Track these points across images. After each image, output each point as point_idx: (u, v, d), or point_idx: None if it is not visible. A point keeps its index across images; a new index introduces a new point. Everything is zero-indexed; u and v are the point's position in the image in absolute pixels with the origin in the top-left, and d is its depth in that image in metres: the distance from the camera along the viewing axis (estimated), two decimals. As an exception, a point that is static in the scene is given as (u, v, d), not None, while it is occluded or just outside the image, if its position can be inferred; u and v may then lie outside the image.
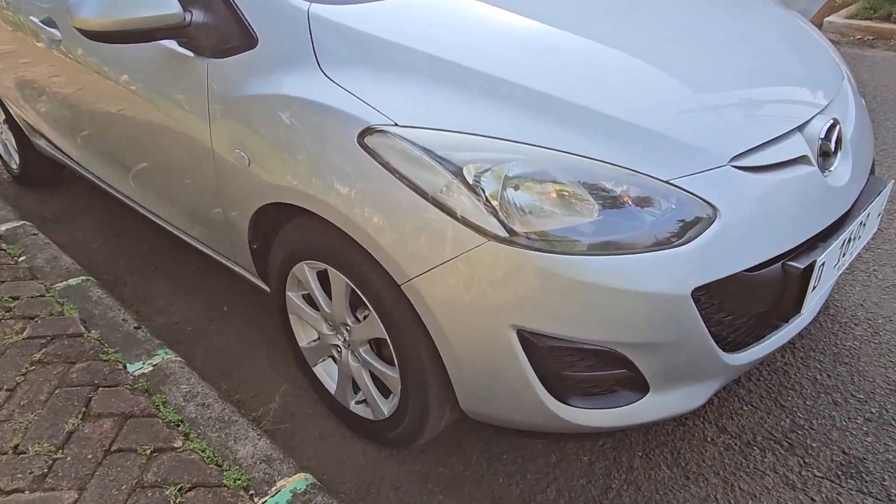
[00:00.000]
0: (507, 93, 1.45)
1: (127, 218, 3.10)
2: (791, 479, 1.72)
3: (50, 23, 2.36)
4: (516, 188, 1.35)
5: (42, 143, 3.06)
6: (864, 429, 1.85)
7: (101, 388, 1.90)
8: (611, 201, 1.36)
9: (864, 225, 1.73)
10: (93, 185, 2.88)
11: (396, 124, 1.42)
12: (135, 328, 2.18)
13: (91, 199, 3.37)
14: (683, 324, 1.38)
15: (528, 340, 1.38)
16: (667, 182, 1.37)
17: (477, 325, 1.40)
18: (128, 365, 2.00)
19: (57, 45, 2.34)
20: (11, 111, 3.15)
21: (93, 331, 2.15)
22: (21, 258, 2.60)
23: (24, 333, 2.14)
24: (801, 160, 1.53)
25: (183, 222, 2.28)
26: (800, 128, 1.57)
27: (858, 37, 5.22)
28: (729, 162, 1.43)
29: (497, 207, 1.34)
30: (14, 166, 3.53)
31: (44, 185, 3.55)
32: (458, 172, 1.36)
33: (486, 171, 1.36)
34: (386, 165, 1.41)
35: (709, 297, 1.39)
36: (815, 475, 1.73)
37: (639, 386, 1.45)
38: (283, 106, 1.59)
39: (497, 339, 1.40)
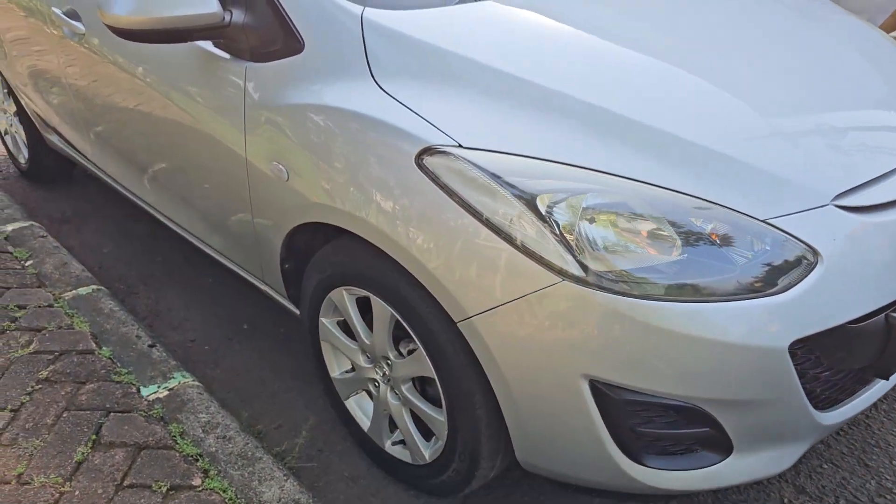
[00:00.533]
0: (580, 113, 1.32)
1: (141, 222, 2.97)
2: (874, 549, 1.58)
3: (73, 15, 2.23)
4: (592, 221, 1.21)
5: (55, 138, 2.95)
6: (958, 494, 1.71)
7: (112, 414, 1.76)
8: (698, 239, 1.22)
9: None
10: (105, 186, 2.77)
11: (461, 145, 1.28)
12: (149, 346, 2.04)
13: (102, 200, 3.25)
14: (777, 380, 1.24)
15: (602, 392, 1.24)
16: (762, 221, 1.23)
17: (544, 371, 1.26)
18: (142, 388, 1.86)
19: (80, 38, 2.21)
20: (24, 103, 3.04)
21: (104, 347, 2.02)
22: (28, 263, 2.47)
23: (31, 347, 2.01)
24: None
25: (203, 231, 2.15)
26: None
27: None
28: (832, 201, 1.29)
29: (573, 243, 1.20)
30: (23, 161, 3.41)
31: (53, 183, 3.45)
32: (530, 202, 1.22)
33: (561, 201, 1.22)
34: (447, 190, 1.27)
35: (806, 350, 1.25)
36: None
37: (722, 446, 1.31)
38: (331, 118, 1.46)
39: (566, 388, 1.26)
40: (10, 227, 2.73)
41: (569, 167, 1.24)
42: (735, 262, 1.21)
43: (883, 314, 1.31)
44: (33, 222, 2.80)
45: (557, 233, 1.20)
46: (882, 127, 1.52)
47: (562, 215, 1.22)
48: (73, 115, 2.58)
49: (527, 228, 1.22)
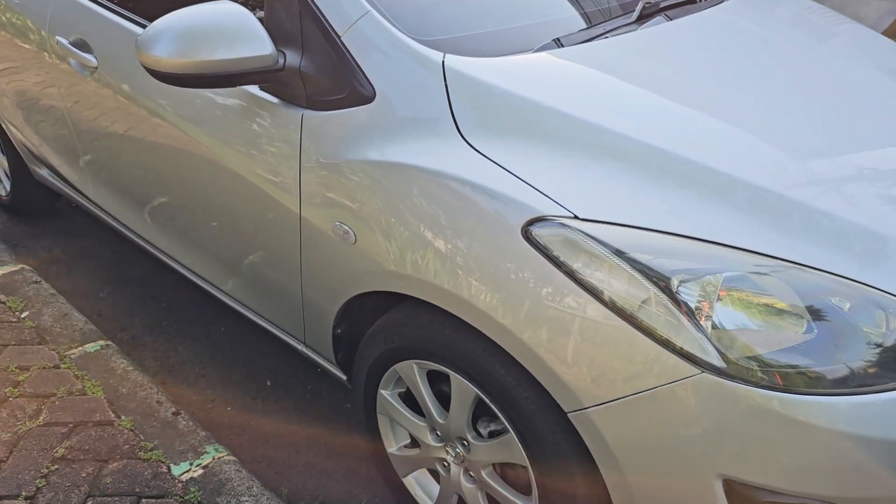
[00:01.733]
0: (705, 181, 1.22)
1: (138, 262, 2.78)
2: None
3: (82, 45, 2.06)
4: (734, 305, 1.11)
5: (44, 172, 2.76)
6: None
7: (143, 500, 1.58)
8: (825, 317, 1.13)
9: None
10: (95, 221, 2.59)
11: (577, 217, 1.16)
12: (173, 414, 1.87)
13: (91, 236, 3.03)
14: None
15: (739, 493, 1.13)
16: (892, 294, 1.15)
17: (672, 471, 1.15)
18: (172, 466, 1.69)
19: (91, 72, 2.03)
20: (10, 134, 2.82)
21: (123, 417, 1.83)
22: (24, 314, 2.26)
23: (41, 419, 1.81)
24: None
25: (225, 282, 1.99)
26: None
27: None
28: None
29: (710, 330, 1.09)
30: (3, 193, 3.19)
31: (36, 216, 3.23)
32: (663, 283, 1.11)
33: (696, 281, 1.11)
34: (563, 268, 1.15)
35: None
36: None
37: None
38: (412, 179, 1.33)
39: (697, 490, 1.15)
40: (-3, 272, 2.51)
41: (705, 244, 1.13)
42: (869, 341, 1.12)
43: None
44: (24, 265, 2.60)
45: (696, 320, 1.09)
46: None
47: (692, 295, 1.11)
48: (72, 151, 2.39)
49: (658, 312, 1.11)
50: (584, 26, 1.62)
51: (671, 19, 1.72)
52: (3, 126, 2.84)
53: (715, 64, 1.61)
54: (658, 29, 1.67)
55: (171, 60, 1.42)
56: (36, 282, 2.47)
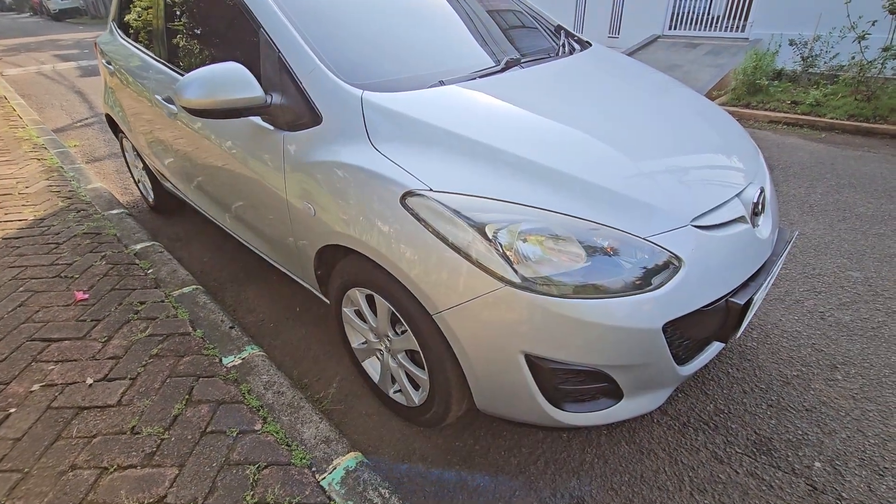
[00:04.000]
0: (514, 163, 1.20)
1: (230, 239, 2.83)
2: (719, 454, 1.48)
3: (169, 100, 2.08)
4: (525, 241, 1.10)
5: (168, 185, 2.78)
6: (768, 413, 1.61)
7: (201, 379, 1.64)
8: (597, 252, 1.11)
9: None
10: (203, 216, 2.60)
11: (431, 189, 1.16)
12: (230, 328, 1.91)
13: (204, 225, 3.09)
14: (654, 349, 1.14)
15: (534, 363, 1.13)
16: (644, 238, 1.12)
17: (493, 349, 1.15)
18: (223, 358, 1.74)
19: (174, 116, 2.06)
20: (146, 160, 2.87)
21: (198, 330, 1.88)
22: (150, 271, 2.33)
23: (147, 332, 1.88)
24: (740, 219, 1.28)
25: (264, 247, 2.01)
26: (738, 193, 1.32)
27: (729, 116, 4.96)
28: (690, 222, 1.18)
29: (511, 257, 1.08)
30: (150, 199, 3.24)
31: (171, 214, 3.27)
32: (480, 230, 1.10)
33: (503, 228, 1.10)
34: (423, 222, 1.15)
35: (673, 328, 1.15)
36: (737, 451, 1.48)
37: (616, 394, 1.21)
38: (342, 171, 1.33)
39: (509, 361, 1.15)
40: (138, 246, 2.59)
41: (507, 203, 1.12)
42: (623, 267, 1.10)
43: (724, 300, 1.21)
44: (155, 242, 2.65)
45: (500, 251, 1.09)
46: (719, 166, 1.40)
47: (504, 238, 1.10)
48: (176, 170, 2.43)
49: (479, 248, 1.10)
50: (466, 73, 1.57)
51: (524, 68, 1.67)
52: (143, 156, 2.90)
53: (547, 90, 1.55)
54: (514, 72, 1.62)
55: (198, 100, 1.42)
56: (160, 252, 2.52)
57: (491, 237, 1.09)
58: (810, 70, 5.38)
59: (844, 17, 5.17)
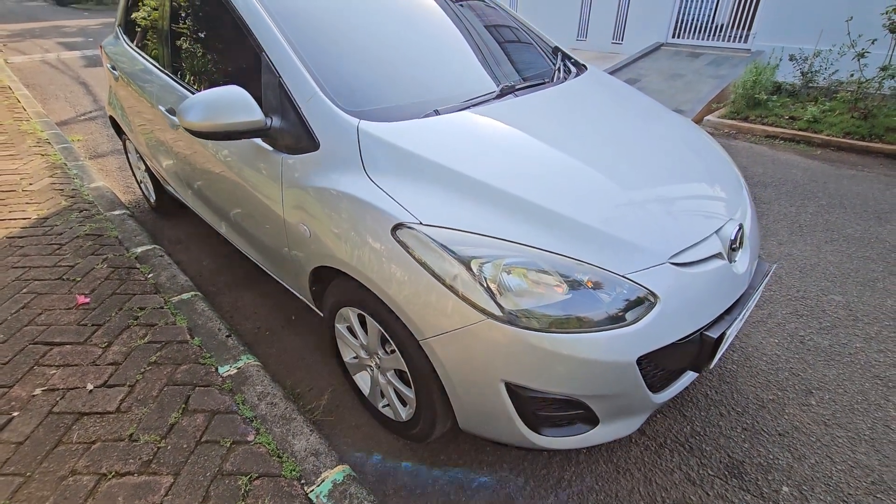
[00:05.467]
0: (503, 200, 1.25)
1: (228, 244, 2.87)
2: (692, 476, 1.54)
3: (171, 112, 2.13)
4: (508, 272, 1.15)
5: (169, 188, 2.83)
6: (742, 437, 1.67)
7: (197, 388, 1.69)
8: (578, 286, 1.16)
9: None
10: (202, 220, 2.64)
11: (421, 223, 1.21)
12: (226, 337, 1.96)
13: (204, 229, 3.14)
14: (628, 380, 1.20)
15: (514, 390, 1.19)
16: (622, 276, 1.18)
17: (475, 376, 1.21)
18: (219, 368, 1.79)
19: (176, 127, 2.11)
20: (149, 164, 2.92)
21: (196, 338, 1.94)
22: (150, 275, 2.38)
23: (146, 339, 1.93)
24: (717, 256, 1.34)
25: (261, 258, 2.06)
26: (717, 230, 1.37)
27: (727, 131, 5.00)
28: (668, 260, 1.23)
29: (495, 291, 1.14)
30: (152, 201, 3.29)
31: (172, 216, 3.32)
32: (466, 263, 1.16)
33: (488, 262, 1.16)
34: (412, 254, 1.21)
35: (647, 360, 1.20)
36: (709, 474, 1.54)
37: (592, 420, 1.27)
38: (337, 198, 1.38)
39: (490, 387, 1.21)
40: (139, 250, 2.63)
41: (494, 239, 1.18)
42: (602, 302, 1.16)
43: (699, 333, 1.27)
44: (156, 245, 2.70)
45: (485, 284, 1.14)
46: (702, 199, 1.45)
47: (488, 272, 1.16)
48: (177, 175, 2.47)
49: (464, 280, 1.16)
50: (460, 101, 1.60)
51: (518, 96, 1.70)
52: (145, 160, 2.95)
53: (539, 119, 1.58)
54: (508, 101, 1.65)
55: (200, 123, 1.45)
56: (161, 256, 2.57)
57: (476, 271, 1.15)
58: (810, 85, 5.42)
59: (845, 35, 5.19)
